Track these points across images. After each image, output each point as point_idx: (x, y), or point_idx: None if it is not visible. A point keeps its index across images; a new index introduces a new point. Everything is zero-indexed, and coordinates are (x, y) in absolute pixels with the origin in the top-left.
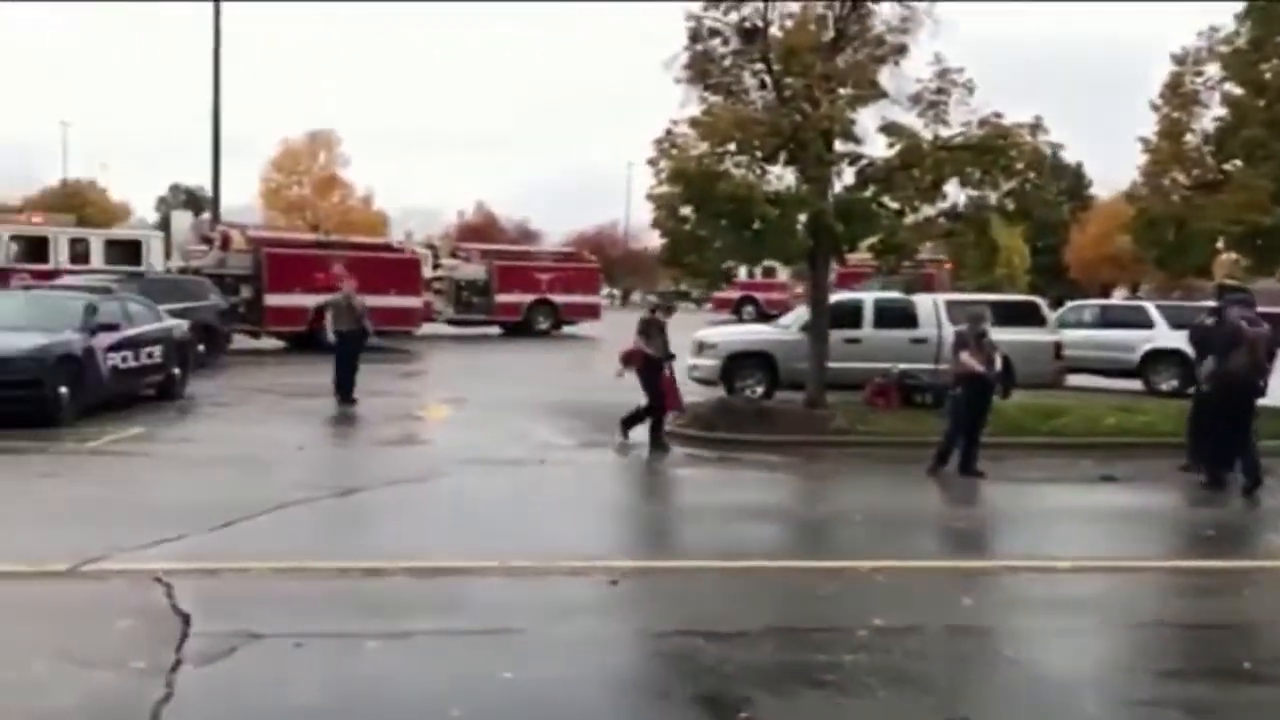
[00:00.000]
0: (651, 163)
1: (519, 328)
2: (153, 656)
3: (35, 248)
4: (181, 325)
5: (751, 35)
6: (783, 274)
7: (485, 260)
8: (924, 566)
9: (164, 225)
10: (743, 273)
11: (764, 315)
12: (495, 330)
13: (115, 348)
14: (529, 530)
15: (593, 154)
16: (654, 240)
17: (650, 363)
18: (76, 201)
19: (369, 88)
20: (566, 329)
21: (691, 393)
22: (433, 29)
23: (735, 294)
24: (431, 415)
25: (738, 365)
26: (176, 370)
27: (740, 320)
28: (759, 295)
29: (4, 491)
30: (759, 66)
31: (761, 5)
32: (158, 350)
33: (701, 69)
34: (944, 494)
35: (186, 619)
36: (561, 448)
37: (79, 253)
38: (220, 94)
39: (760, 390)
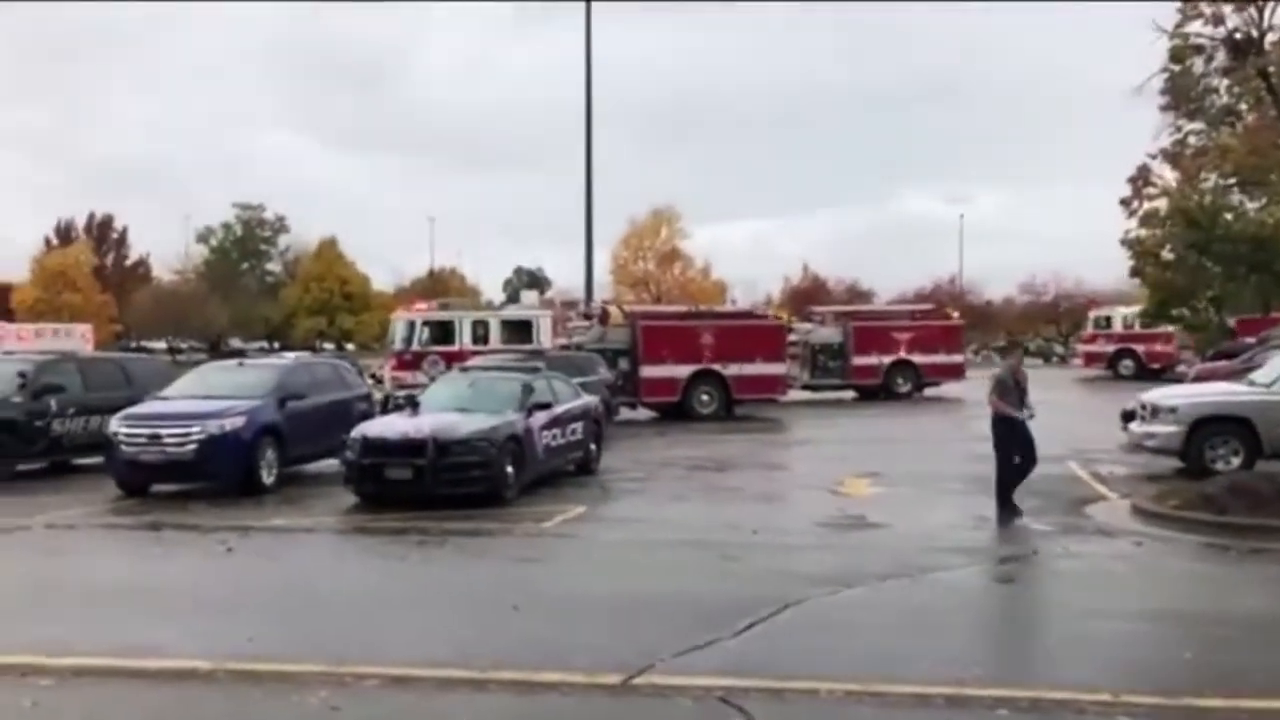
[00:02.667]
0: (1125, 203)
1: (876, 391)
2: None
3: (442, 331)
4: (595, 401)
5: (1243, 48)
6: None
7: (840, 322)
8: None
9: (511, 303)
10: (1117, 322)
11: (1145, 370)
12: (849, 395)
13: (547, 426)
14: (1122, 651)
15: (899, 204)
16: (991, 292)
17: (1007, 422)
18: (441, 287)
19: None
20: (929, 390)
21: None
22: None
23: (1109, 347)
24: (854, 491)
25: (1206, 432)
26: (593, 446)
27: (1117, 375)
28: (1138, 347)
29: (502, 578)
30: (1257, 83)
31: (1255, 12)
32: (579, 427)
33: (1184, 92)
34: None
35: None
36: (1042, 534)
37: (479, 334)
38: (592, 194)
39: (1237, 461)
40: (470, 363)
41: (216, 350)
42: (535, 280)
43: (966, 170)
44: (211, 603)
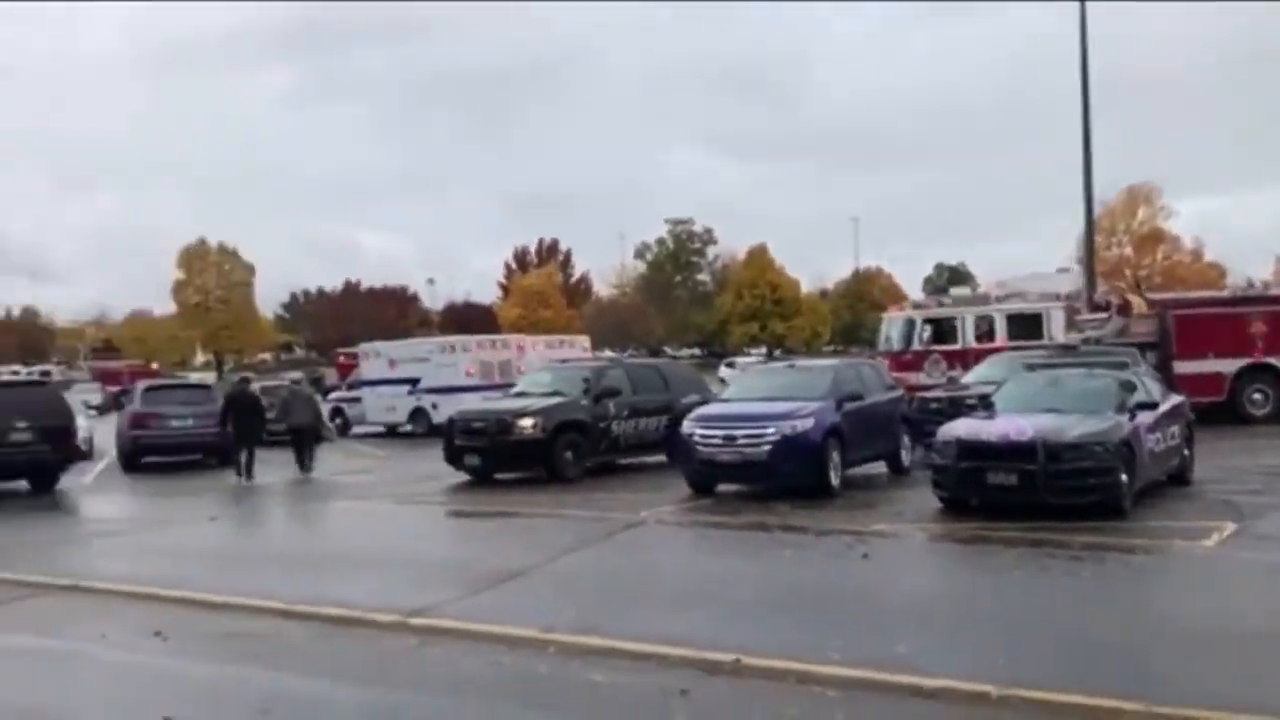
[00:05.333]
0: None
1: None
2: None
3: (943, 328)
4: (1185, 400)
5: None
6: None
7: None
8: None
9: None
10: None
11: None
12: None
13: (1151, 428)
14: None
15: None
16: None
17: None
18: (866, 287)
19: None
20: None
21: None
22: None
23: None
24: None
25: None
26: (1186, 452)
27: None
28: None
29: (1210, 606)
30: None
31: None
32: (1176, 430)
33: None
34: None
35: None
36: None
37: (983, 330)
38: (1091, 172)
39: None
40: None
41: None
42: (959, 276)
43: None
44: (936, 619)
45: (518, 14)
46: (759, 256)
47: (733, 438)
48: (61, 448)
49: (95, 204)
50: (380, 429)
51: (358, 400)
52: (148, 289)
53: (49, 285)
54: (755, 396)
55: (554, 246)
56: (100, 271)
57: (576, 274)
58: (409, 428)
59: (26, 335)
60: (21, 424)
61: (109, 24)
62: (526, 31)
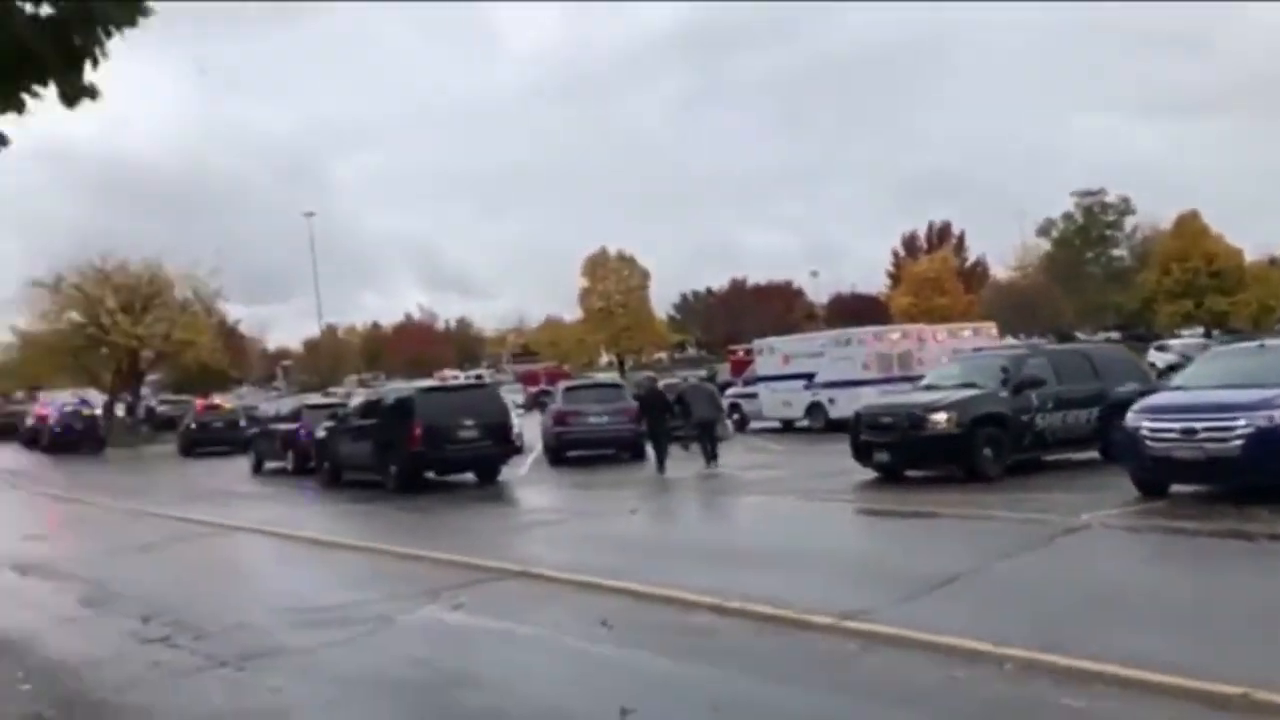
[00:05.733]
0: None
1: None
2: None
3: None
4: None
5: None
6: None
7: None
8: None
9: None
10: None
11: None
12: None
13: None
14: None
15: None
16: None
17: None
18: None
19: None
20: None
21: None
22: None
23: None
24: None
25: None
26: None
27: None
28: None
29: None
30: None
31: None
32: None
33: None
34: None
35: None
36: None
37: None
38: None
39: None
40: None
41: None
42: None
43: None
44: None
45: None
46: (1189, 225)
47: (1192, 431)
48: (502, 443)
49: (511, 223)
50: (776, 424)
51: (753, 396)
52: (558, 296)
53: (477, 298)
54: (1216, 384)
55: (945, 230)
56: (517, 283)
57: (971, 257)
58: (805, 423)
59: (461, 343)
60: (469, 422)
61: (511, 58)
62: (903, 11)
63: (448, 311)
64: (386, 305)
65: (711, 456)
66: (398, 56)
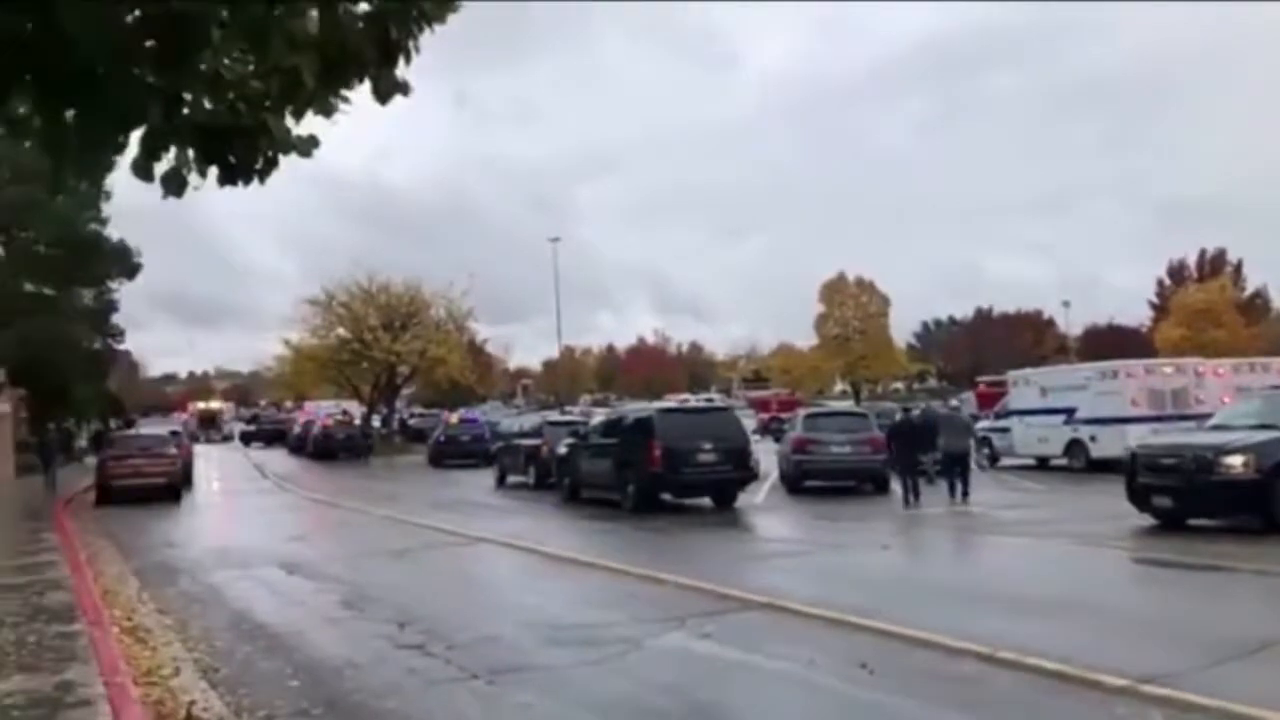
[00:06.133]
0: None
1: None
2: None
3: None
4: None
5: None
6: None
7: None
8: None
9: None
10: None
11: None
12: None
13: None
14: None
15: None
16: None
17: None
18: None
19: None
20: None
21: None
22: None
23: None
24: None
25: None
26: None
27: None
28: None
29: None
30: None
31: None
32: None
33: None
34: None
35: None
36: None
37: None
38: None
39: None
40: None
41: None
42: None
43: None
44: None
45: (1150, 14)
46: None
47: None
48: (740, 468)
49: (746, 247)
50: (1030, 461)
51: (1006, 430)
52: (793, 323)
53: (709, 323)
54: None
55: (1220, 257)
56: (751, 308)
57: (1249, 288)
58: (1063, 461)
59: (691, 367)
60: (707, 445)
61: (749, 80)
62: (1161, 30)
63: (680, 335)
64: (620, 327)
65: (964, 493)
66: (639, 84)
